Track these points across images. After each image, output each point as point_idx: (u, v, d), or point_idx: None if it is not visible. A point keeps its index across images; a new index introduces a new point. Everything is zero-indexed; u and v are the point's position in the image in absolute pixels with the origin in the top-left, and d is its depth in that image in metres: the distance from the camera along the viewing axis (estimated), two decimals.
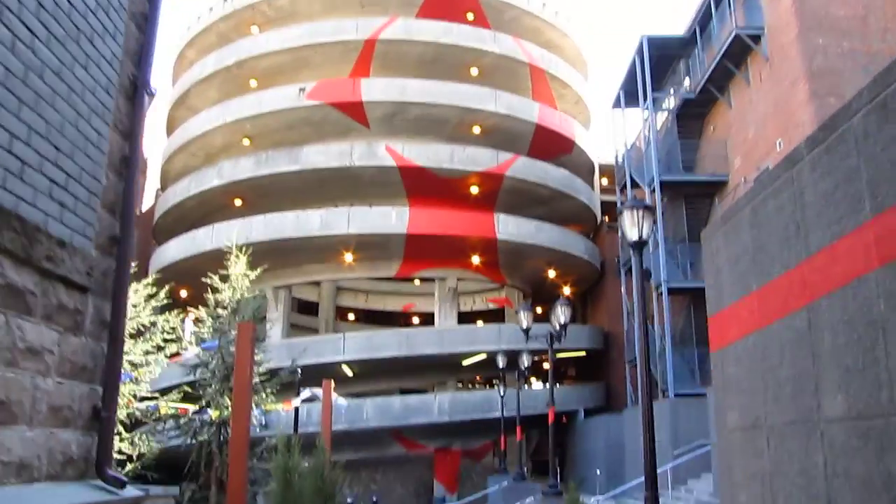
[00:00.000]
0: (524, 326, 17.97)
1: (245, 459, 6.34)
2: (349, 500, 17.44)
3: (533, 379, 36.37)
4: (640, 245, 8.29)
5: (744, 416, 4.77)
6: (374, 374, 29.15)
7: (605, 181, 37.21)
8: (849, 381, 3.50)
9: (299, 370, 16.89)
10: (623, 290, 28.67)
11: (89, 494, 3.28)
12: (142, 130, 4.28)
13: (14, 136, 3.01)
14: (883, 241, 3.17)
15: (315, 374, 19.46)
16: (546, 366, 32.19)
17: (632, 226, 8.25)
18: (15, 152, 3.01)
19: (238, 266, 15.24)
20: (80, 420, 3.46)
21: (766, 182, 4.52)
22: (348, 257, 28.50)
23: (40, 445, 3.10)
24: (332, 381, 12.76)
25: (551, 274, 32.23)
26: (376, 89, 29.11)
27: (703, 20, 23.26)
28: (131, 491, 3.68)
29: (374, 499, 24.55)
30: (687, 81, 25.19)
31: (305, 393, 16.08)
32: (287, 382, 16.30)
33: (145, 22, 4.40)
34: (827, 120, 3.80)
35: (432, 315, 32.62)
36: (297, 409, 16.21)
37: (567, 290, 33.06)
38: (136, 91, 4.23)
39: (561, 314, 16.28)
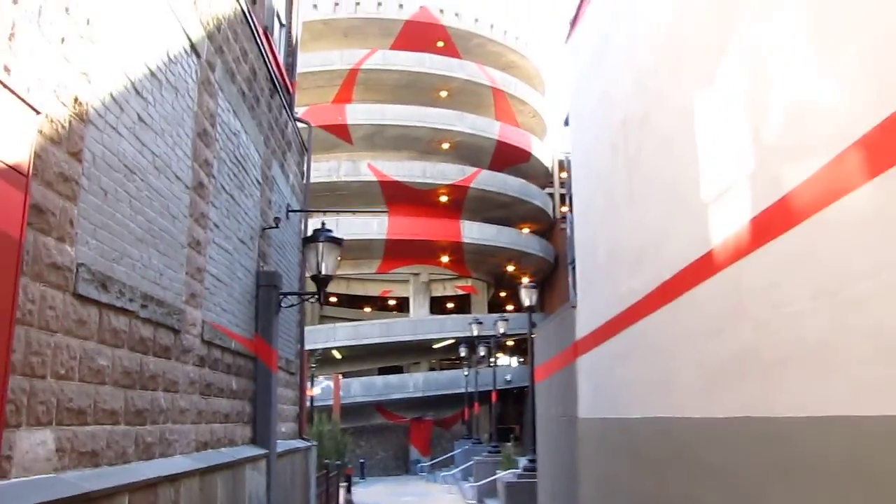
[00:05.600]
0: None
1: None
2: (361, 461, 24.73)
3: (501, 355, 43.85)
4: (530, 309, 15.46)
5: (551, 410, 11.90)
6: (359, 357, 36.35)
7: (564, 175, 44.30)
8: (566, 402, 10.61)
9: (312, 362, 23.94)
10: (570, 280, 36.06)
11: (301, 443, 10.39)
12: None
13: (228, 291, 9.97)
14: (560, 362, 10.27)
15: (311, 357, 26.51)
16: (510, 343, 39.69)
17: (526, 297, 15.39)
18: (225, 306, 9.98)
19: None
20: (291, 419, 10.50)
21: (557, 315, 11.63)
22: None
23: (288, 428, 10.12)
24: (333, 371, 19.85)
25: (511, 268, 39.51)
26: (359, 113, 35.80)
27: None
28: (308, 442, 10.79)
29: (362, 461, 32.10)
30: None
31: (320, 381, 23.22)
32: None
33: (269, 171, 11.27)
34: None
35: (407, 299, 39.93)
36: (312, 398, 23.37)
37: (525, 281, 40.31)
38: (265, 231, 11.09)
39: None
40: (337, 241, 8.44)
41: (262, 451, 7.80)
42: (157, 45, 5.28)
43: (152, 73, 5.18)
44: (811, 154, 3.83)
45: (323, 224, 8.71)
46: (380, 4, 36.86)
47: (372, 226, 34.46)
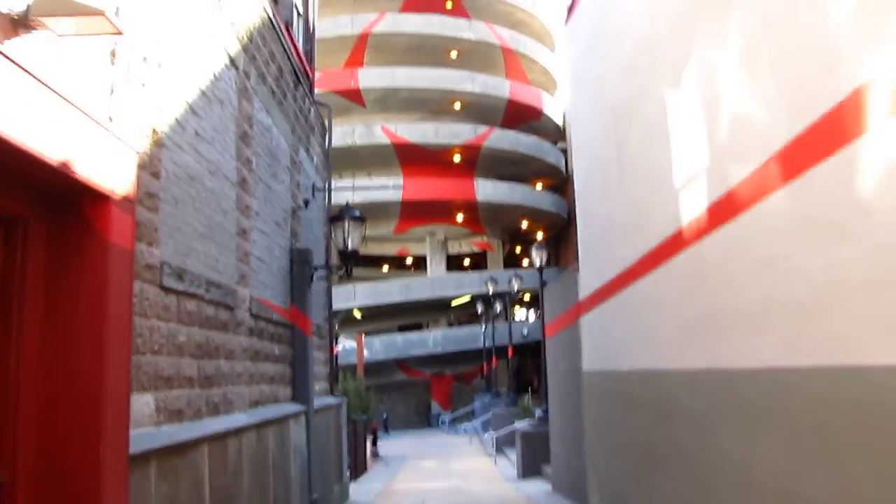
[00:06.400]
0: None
1: None
2: (384, 416, 26.07)
3: (518, 308, 45.11)
4: (540, 269, 16.44)
5: (560, 364, 12.95)
6: (378, 316, 37.60)
7: None
8: (572, 356, 11.66)
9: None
10: None
11: (333, 400, 11.54)
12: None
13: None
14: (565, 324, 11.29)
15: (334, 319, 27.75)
16: (527, 297, 40.83)
17: (537, 257, 16.37)
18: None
19: None
20: (323, 379, 11.63)
21: (563, 277, 12.63)
22: None
23: (321, 386, 11.24)
24: (354, 330, 20.99)
25: (525, 224, 40.44)
26: (371, 77, 36.45)
27: None
28: (339, 399, 11.94)
29: (385, 416, 33.55)
30: None
31: (342, 341, 24.43)
32: None
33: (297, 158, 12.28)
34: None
35: (424, 258, 41.14)
36: (336, 354, 24.57)
37: (540, 236, 41.28)
38: (295, 211, 12.11)
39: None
40: (360, 219, 9.45)
41: (302, 408, 8.93)
42: (205, 68, 6.25)
43: (203, 93, 6.16)
44: (747, 158, 4.78)
45: (347, 203, 9.70)
46: None
47: (388, 188, 35.36)
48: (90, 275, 3.91)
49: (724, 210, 5.16)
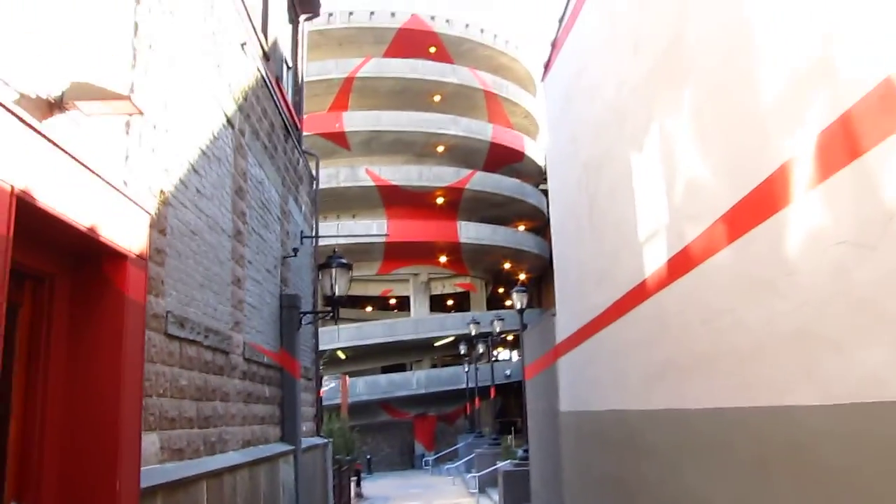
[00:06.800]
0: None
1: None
2: (368, 456, 26.28)
3: (501, 349, 45.53)
4: (521, 311, 16.98)
5: (539, 405, 13.41)
6: (362, 356, 37.91)
7: None
8: (550, 397, 12.12)
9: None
10: None
11: (320, 440, 11.91)
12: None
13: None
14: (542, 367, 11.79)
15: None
16: (510, 338, 41.28)
17: (518, 301, 16.90)
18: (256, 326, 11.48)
19: None
20: (310, 419, 12.01)
21: (541, 321, 13.14)
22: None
23: (308, 426, 11.62)
24: (338, 371, 21.37)
25: (507, 265, 41.08)
26: (355, 120, 37.29)
27: None
28: (325, 439, 12.30)
29: (368, 457, 33.68)
30: None
31: (327, 382, 24.74)
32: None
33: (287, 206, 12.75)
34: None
35: (407, 298, 41.58)
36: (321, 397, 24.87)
37: (522, 276, 41.92)
38: (285, 259, 12.56)
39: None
40: (347, 266, 9.95)
41: (290, 448, 9.32)
42: (205, 129, 6.78)
43: (203, 152, 6.68)
44: (699, 218, 5.35)
45: (335, 251, 10.21)
46: (372, 14, 38.28)
47: (372, 229, 35.95)
48: (108, 325, 4.38)
49: (680, 264, 5.71)
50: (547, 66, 10.98)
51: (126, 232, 4.54)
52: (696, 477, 5.56)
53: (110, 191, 4.44)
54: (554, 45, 10.29)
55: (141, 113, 4.25)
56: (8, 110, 3.28)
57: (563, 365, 10.40)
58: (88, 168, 4.20)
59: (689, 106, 5.56)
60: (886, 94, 3.21)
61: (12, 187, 3.20)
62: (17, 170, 3.24)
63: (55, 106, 3.91)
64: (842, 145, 3.56)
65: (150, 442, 5.10)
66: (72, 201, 3.90)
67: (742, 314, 4.69)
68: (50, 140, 3.77)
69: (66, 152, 3.94)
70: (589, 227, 8.71)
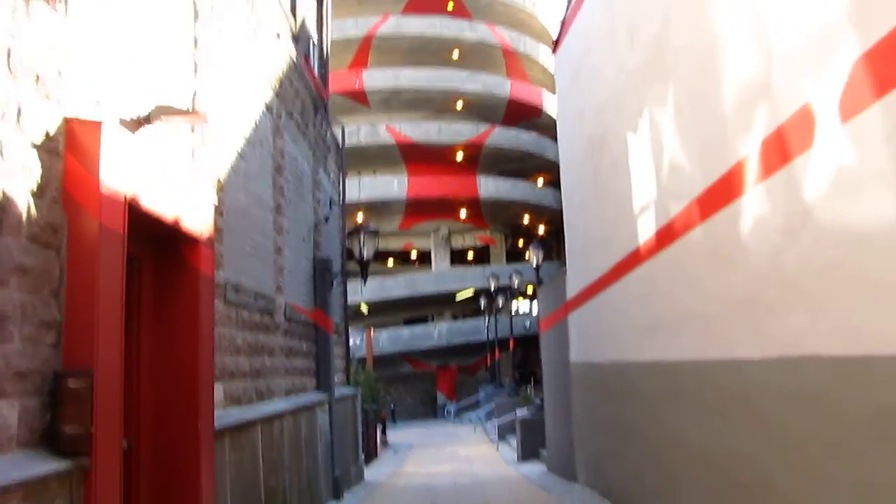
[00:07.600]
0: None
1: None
2: (392, 406, 27.63)
3: (521, 299, 46.80)
4: (537, 268, 17.93)
5: (552, 356, 14.44)
6: (384, 310, 39.16)
7: None
8: (561, 349, 13.14)
9: None
10: None
11: (350, 390, 13.04)
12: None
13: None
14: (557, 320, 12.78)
15: None
16: (530, 290, 42.38)
17: (534, 257, 17.86)
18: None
19: None
20: (341, 371, 13.11)
21: (554, 277, 14.11)
22: (360, 217, 38.03)
23: (339, 378, 12.74)
24: (361, 324, 22.48)
25: (526, 219, 41.96)
26: (375, 78, 37.94)
27: None
28: (354, 389, 13.47)
29: (392, 407, 35.12)
30: None
31: (354, 336, 25.96)
32: None
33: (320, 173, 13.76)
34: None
35: (429, 253, 42.74)
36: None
37: (542, 229, 42.82)
38: (317, 225, 13.57)
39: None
40: (374, 232, 10.94)
41: (325, 397, 10.45)
42: (249, 118, 7.73)
43: (248, 141, 7.64)
44: (680, 197, 6.27)
45: (363, 220, 11.16)
46: None
47: (393, 185, 36.92)
48: (187, 296, 5.41)
49: (666, 236, 6.64)
50: (557, 43, 11.75)
51: (198, 218, 5.54)
52: (672, 419, 6.56)
53: (186, 184, 5.43)
54: (563, 23, 11.06)
55: (206, 122, 5.21)
56: (121, 131, 4.25)
57: (573, 320, 11.38)
58: (175, 172, 5.19)
59: (672, 101, 6.42)
60: (804, 117, 4.09)
61: (125, 196, 4.19)
62: (128, 180, 4.22)
63: (144, 122, 4.88)
64: (777, 152, 4.45)
65: (217, 391, 6.17)
66: (163, 200, 4.89)
67: (710, 283, 5.63)
68: (150, 155, 4.76)
69: (161, 163, 4.93)
70: (593, 196, 9.61)
